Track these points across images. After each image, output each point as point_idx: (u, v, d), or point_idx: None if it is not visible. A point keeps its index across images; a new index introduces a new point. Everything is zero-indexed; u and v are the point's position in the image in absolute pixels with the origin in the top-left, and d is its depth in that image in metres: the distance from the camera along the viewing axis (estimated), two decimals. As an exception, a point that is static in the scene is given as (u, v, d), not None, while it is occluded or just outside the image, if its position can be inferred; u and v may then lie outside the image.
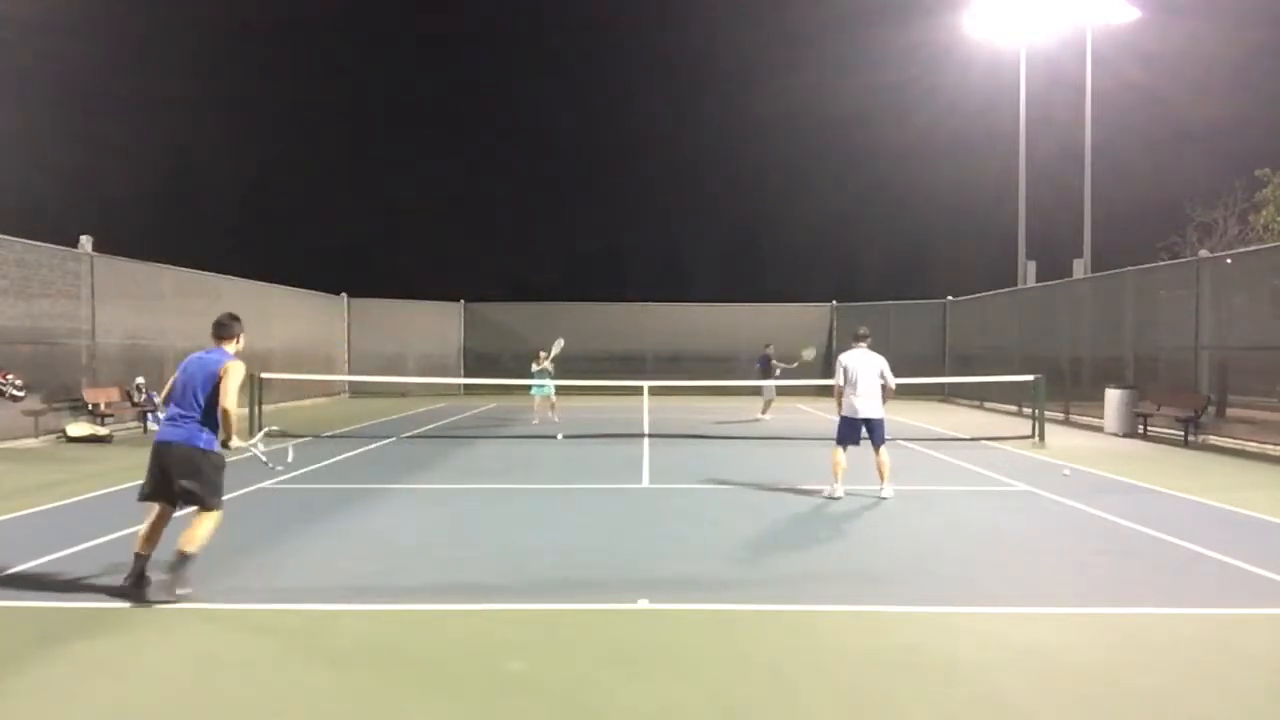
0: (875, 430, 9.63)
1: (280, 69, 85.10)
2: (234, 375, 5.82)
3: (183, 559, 5.66)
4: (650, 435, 16.22)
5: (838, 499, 9.48)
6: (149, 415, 16.79)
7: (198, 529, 5.74)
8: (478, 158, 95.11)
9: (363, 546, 7.24)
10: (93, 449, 14.07)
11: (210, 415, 5.82)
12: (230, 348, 6.06)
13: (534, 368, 18.75)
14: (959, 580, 6.34)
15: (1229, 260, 16.15)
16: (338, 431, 17.03)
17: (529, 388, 19.20)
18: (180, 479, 5.74)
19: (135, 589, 5.72)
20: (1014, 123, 28.97)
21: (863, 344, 9.73)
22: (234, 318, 6.19)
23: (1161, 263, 22.00)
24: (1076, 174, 26.79)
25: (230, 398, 5.76)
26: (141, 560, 5.81)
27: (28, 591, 5.90)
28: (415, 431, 17.34)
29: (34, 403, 14.60)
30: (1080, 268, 24.73)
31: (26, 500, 9.19)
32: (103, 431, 15.10)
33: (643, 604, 5.62)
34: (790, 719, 4.01)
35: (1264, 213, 28.11)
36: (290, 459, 6.97)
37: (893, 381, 9.66)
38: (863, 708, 4.13)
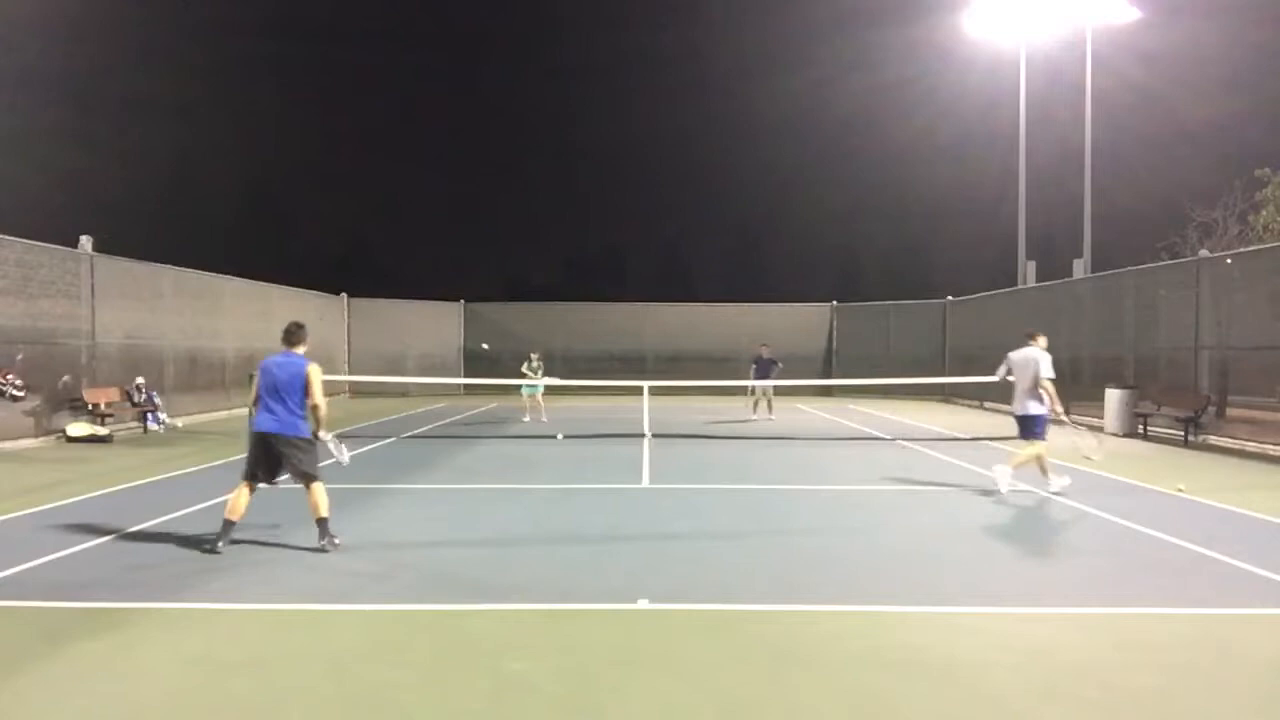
0: (1021, 427, 9.80)
1: (281, 69, 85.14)
2: (317, 376, 7.15)
3: (322, 522, 7.08)
4: (650, 435, 16.21)
5: (1056, 492, 9.71)
6: (149, 415, 16.79)
7: (316, 497, 7.10)
8: (478, 158, 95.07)
9: (362, 546, 7.24)
10: (93, 449, 14.07)
11: (303, 408, 7.15)
12: (302, 351, 7.32)
13: (524, 367, 19.38)
14: (959, 580, 6.34)
15: (1229, 260, 16.14)
16: (338, 432, 16.98)
17: (520, 387, 19.70)
18: (287, 462, 7.11)
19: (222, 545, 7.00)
20: (1014, 123, 29.00)
21: (1031, 342, 9.91)
22: (300, 325, 7.48)
23: (1161, 263, 21.97)
24: (1076, 174, 26.80)
25: (318, 395, 7.14)
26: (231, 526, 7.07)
27: (28, 591, 5.90)
28: (415, 431, 17.34)
29: (34, 402, 14.60)
30: (1080, 268, 24.70)
31: (27, 500, 9.20)
32: (103, 431, 15.10)
33: (643, 604, 5.62)
34: (790, 719, 4.01)
35: (1264, 213, 28.07)
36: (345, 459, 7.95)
37: (1045, 374, 9.62)
38: (863, 708, 4.13)
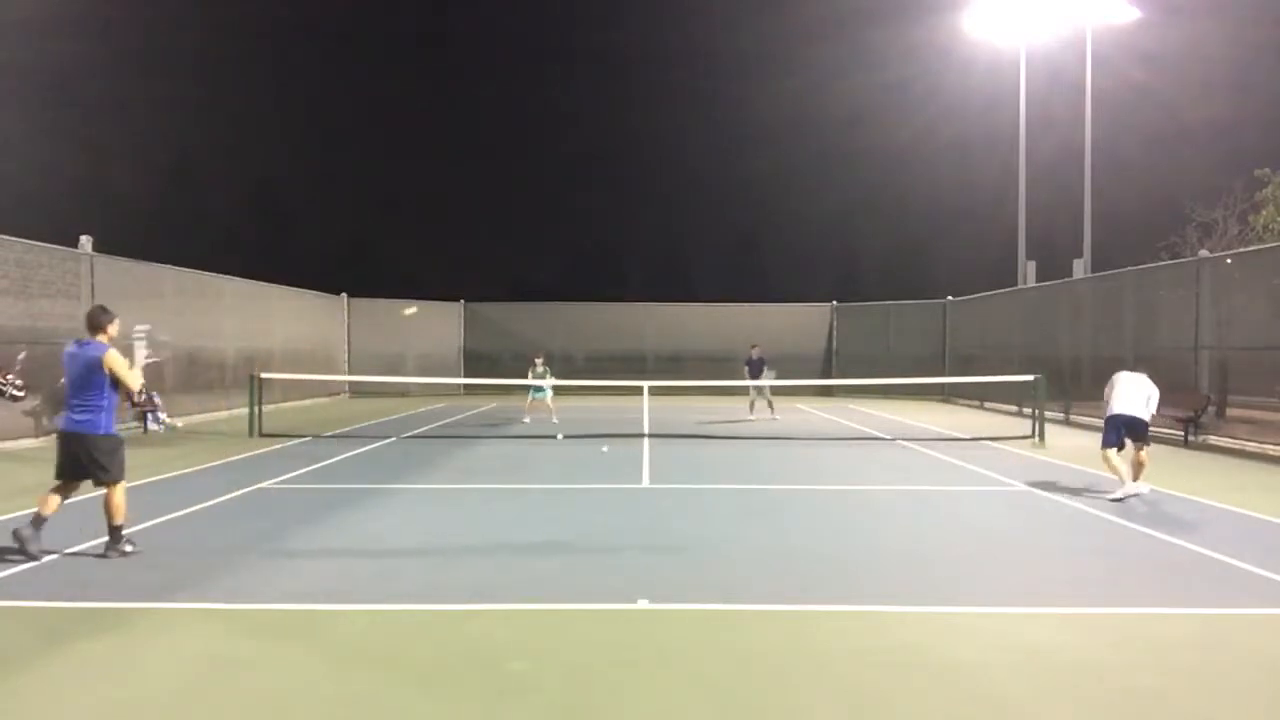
0: (1134, 431, 9.77)
1: (281, 69, 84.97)
2: (119, 363, 6.64)
3: (115, 530, 6.71)
4: (650, 435, 16.21)
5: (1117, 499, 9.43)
6: (149, 415, 16.77)
7: (114, 500, 6.70)
8: (478, 158, 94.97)
9: (362, 546, 7.24)
10: (93, 449, 14.03)
11: (104, 400, 6.62)
12: (103, 339, 6.75)
13: (530, 375, 19.14)
14: (959, 580, 6.34)
15: (1229, 260, 16.15)
16: (338, 432, 17.03)
17: (528, 389, 19.46)
18: (87, 463, 6.64)
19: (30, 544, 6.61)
20: (1014, 123, 28.97)
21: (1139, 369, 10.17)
22: (104, 309, 6.87)
23: (1161, 263, 22.00)
24: (1076, 174, 26.79)
25: (130, 380, 6.68)
26: (43, 521, 6.71)
27: (28, 591, 5.90)
28: (415, 431, 17.34)
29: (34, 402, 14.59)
30: (1080, 268, 24.71)
31: (26, 500, 9.17)
32: (103, 431, 15.07)
33: (643, 604, 5.62)
34: (790, 719, 4.01)
35: (1264, 213, 28.12)
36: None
37: (1153, 405, 9.85)
38: (863, 708, 4.13)
